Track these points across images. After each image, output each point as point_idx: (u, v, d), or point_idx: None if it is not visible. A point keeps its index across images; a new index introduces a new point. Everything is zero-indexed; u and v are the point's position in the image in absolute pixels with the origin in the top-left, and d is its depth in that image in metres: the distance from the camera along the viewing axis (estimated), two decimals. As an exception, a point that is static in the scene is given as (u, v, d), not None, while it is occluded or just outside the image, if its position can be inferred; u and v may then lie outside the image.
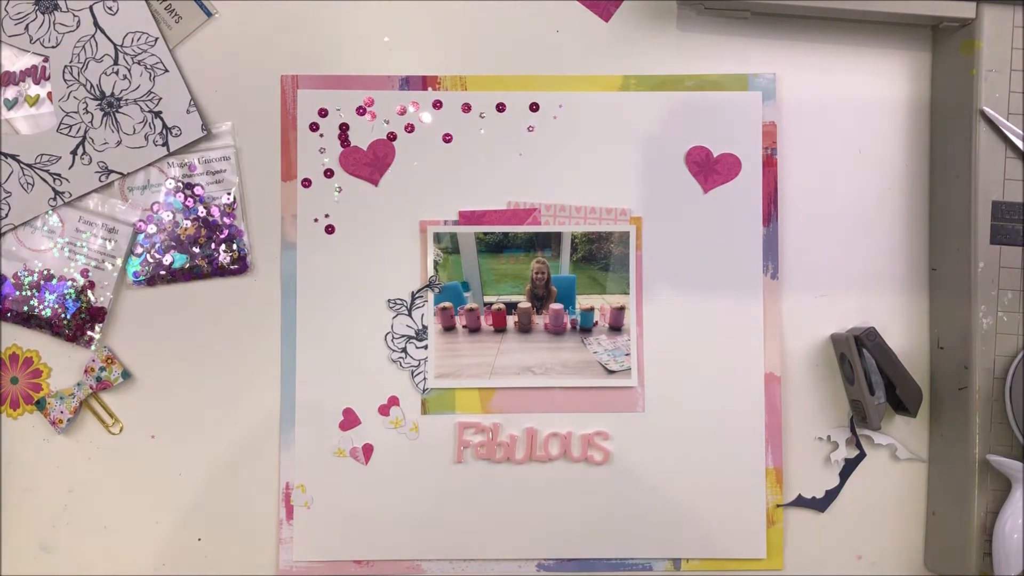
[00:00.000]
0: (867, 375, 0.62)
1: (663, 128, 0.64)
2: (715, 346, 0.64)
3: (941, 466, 0.64)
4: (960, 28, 0.61)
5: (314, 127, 0.64)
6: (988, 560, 0.60)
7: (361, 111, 0.64)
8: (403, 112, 0.64)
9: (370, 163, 0.64)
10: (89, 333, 0.63)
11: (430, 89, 0.64)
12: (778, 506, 0.64)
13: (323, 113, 0.64)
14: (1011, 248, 0.60)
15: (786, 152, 0.65)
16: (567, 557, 0.64)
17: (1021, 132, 0.60)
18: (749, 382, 0.64)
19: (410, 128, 0.64)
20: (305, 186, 0.64)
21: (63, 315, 0.63)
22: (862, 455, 0.65)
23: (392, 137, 0.64)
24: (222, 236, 0.64)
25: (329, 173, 0.64)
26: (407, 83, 0.64)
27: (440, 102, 0.64)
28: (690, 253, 0.64)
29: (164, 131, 0.63)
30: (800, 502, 0.64)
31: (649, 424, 0.64)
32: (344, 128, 0.64)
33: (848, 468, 0.65)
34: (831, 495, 0.65)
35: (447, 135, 0.64)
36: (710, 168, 0.64)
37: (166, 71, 0.63)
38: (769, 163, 0.65)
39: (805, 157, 0.65)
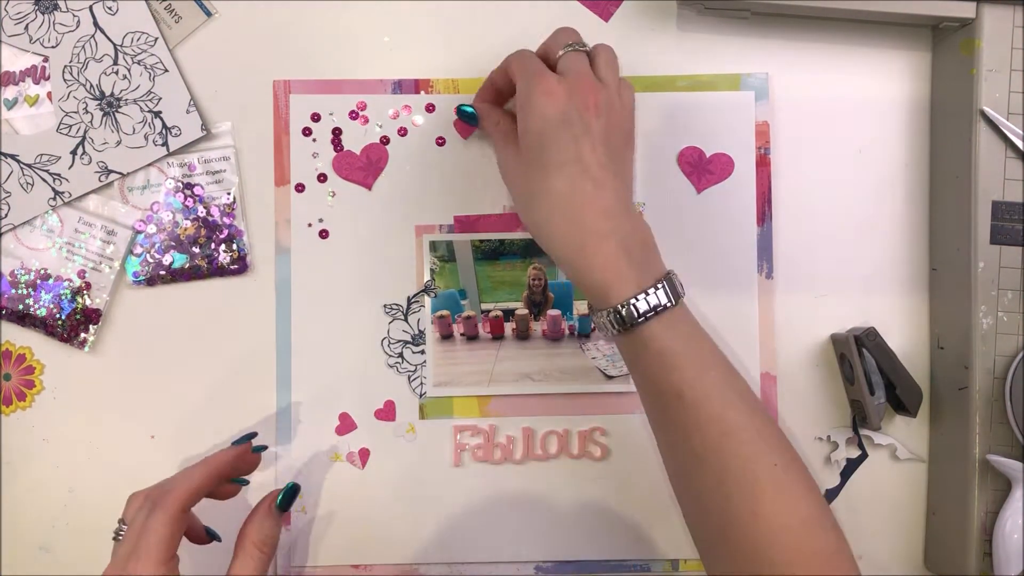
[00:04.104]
0: (867, 375, 0.62)
1: (655, 129, 0.64)
2: (713, 346, 0.64)
3: (941, 466, 0.64)
4: (960, 28, 0.61)
5: (307, 132, 0.64)
6: (988, 560, 0.60)
7: (354, 115, 0.64)
8: (396, 116, 0.64)
9: (363, 167, 0.64)
10: (83, 335, 0.63)
11: (423, 93, 0.64)
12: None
13: (316, 118, 0.64)
14: (1011, 248, 0.60)
15: (781, 152, 0.65)
16: (565, 559, 0.64)
17: (1021, 132, 0.59)
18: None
19: (403, 132, 0.64)
20: (299, 191, 0.64)
21: (58, 315, 0.63)
22: (864, 455, 0.64)
23: (385, 141, 0.64)
24: (222, 236, 0.64)
25: (323, 178, 0.64)
26: (400, 87, 0.64)
27: (433, 105, 0.64)
28: (685, 254, 0.64)
29: (164, 131, 0.63)
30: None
31: (647, 427, 0.64)
32: (337, 133, 0.64)
33: (849, 468, 0.65)
34: (831, 495, 0.65)
35: (440, 139, 0.64)
36: (703, 168, 0.64)
37: (166, 71, 0.63)
38: (763, 163, 0.65)
39: (802, 157, 0.65)
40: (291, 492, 0.58)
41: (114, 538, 0.54)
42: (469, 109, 0.62)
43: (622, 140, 0.56)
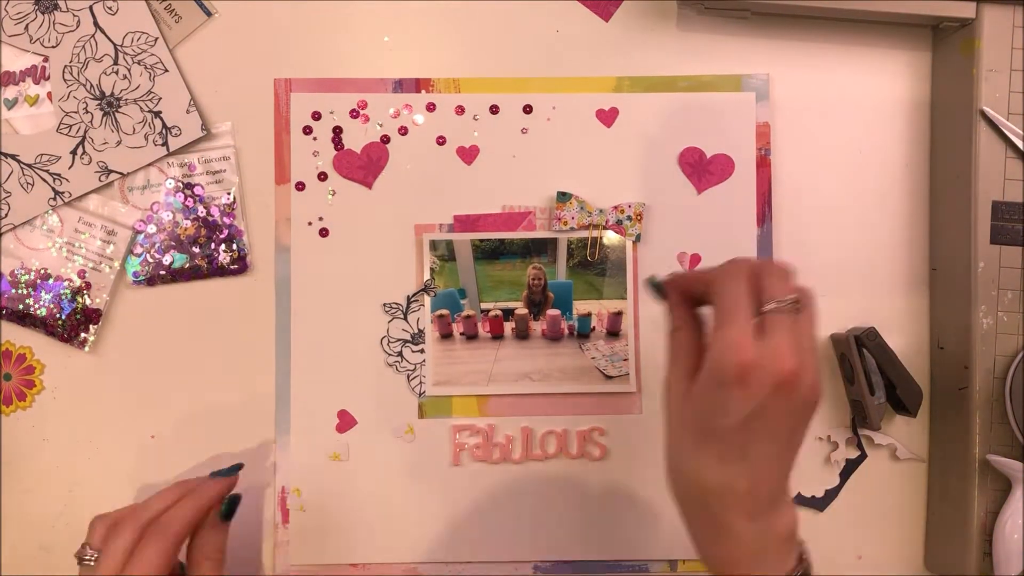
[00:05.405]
0: (867, 375, 0.62)
1: (656, 129, 0.64)
2: (713, 346, 0.64)
3: (941, 466, 0.64)
4: (960, 28, 0.61)
5: (307, 130, 0.64)
6: (988, 560, 0.59)
7: (354, 114, 0.64)
8: (397, 115, 0.64)
9: (364, 166, 0.64)
10: (83, 335, 0.64)
11: (423, 92, 0.64)
12: (776, 505, 0.64)
13: (316, 116, 0.64)
14: (1011, 248, 0.60)
15: (782, 153, 0.65)
16: (563, 559, 0.64)
17: (1021, 132, 0.59)
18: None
19: (403, 131, 0.64)
20: (299, 189, 0.64)
21: (58, 315, 0.63)
22: (864, 455, 0.64)
23: (386, 140, 0.64)
24: (222, 236, 0.64)
25: (323, 176, 0.64)
26: (400, 86, 0.64)
27: (433, 104, 0.64)
28: (685, 254, 0.64)
29: (164, 131, 0.63)
30: (799, 500, 0.64)
31: (646, 426, 0.64)
32: (338, 131, 0.64)
33: (849, 468, 0.65)
34: (831, 495, 0.65)
35: (441, 138, 0.64)
36: (704, 169, 0.64)
37: (166, 71, 0.63)
38: (763, 163, 0.64)
39: (802, 157, 0.65)
40: (232, 502, 0.57)
41: (80, 562, 0.53)
42: (657, 283, 0.52)
43: (796, 423, 0.48)
